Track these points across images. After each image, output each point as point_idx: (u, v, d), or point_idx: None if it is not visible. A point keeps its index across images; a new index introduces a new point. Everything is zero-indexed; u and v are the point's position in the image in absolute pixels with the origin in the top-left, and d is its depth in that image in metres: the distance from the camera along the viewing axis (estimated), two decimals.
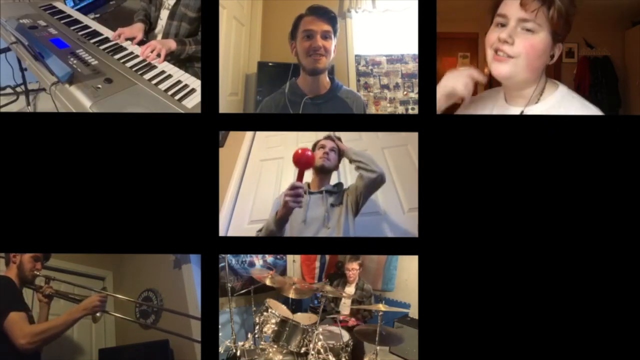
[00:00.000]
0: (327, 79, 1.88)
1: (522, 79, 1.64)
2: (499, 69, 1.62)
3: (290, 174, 1.93)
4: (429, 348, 1.77)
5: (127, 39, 2.02)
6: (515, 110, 1.70)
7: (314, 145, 1.97)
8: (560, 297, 1.76)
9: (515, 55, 1.59)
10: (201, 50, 1.81)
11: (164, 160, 1.78)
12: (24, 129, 1.78)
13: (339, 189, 1.97)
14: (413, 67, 1.92)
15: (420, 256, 1.77)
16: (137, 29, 2.03)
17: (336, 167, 2.00)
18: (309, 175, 1.97)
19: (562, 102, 1.67)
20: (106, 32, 2.07)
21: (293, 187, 1.73)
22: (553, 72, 1.86)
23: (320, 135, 1.96)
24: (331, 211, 1.87)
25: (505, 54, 1.60)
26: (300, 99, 1.84)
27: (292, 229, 1.81)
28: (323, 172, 1.97)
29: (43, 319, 1.83)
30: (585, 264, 1.76)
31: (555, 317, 1.76)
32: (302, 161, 1.77)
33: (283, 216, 1.76)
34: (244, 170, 2.19)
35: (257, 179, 2.20)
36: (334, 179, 2.01)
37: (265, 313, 2.09)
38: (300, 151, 1.77)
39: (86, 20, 2.15)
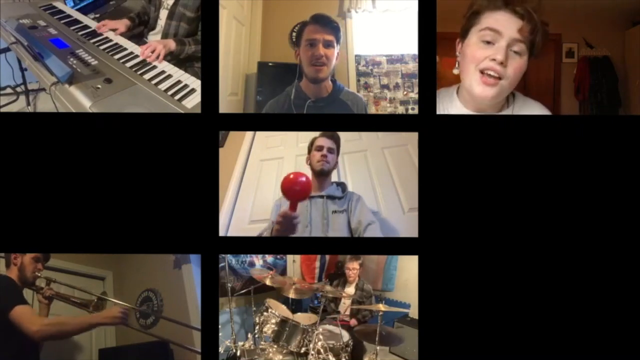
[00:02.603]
0: (329, 81, 1.90)
1: (502, 97, 1.70)
2: (487, 92, 1.65)
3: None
4: (429, 348, 1.77)
5: (110, 30, 2.03)
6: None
7: (310, 144, 1.97)
8: (560, 297, 1.76)
9: (505, 77, 1.63)
10: (201, 50, 1.81)
11: (164, 160, 1.78)
12: (24, 129, 1.78)
13: (343, 191, 1.96)
14: (413, 67, 1.92)
15: (420, 256, 1.77)
16: (120, 23, 2.03)
17: (335, 167, 2.00)
18: None
19: (522, 106, 1.75)
20: (106, 32, 2.07)
21: (284, 216, 1.70)
22: (553, 71, 1.86)
23: (312, 132, 1.96)
24: (333, 218, 1.87)
25: (497, 75, 1.62)
26: (303, 102, 1.86)
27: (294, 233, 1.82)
28: (322, 175, 1.97)
29: None
30: (586, 264, 1.76)
31: (555, 318, 1.76)
32: (295, 191, 1.69)
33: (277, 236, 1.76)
34: (244, 170, 2.19)
35: (257, 179, 2.19)
36: (333, 175, 2.02)
37: (265, 313, 2.09)
38: (292, 177, 1.72)
39: (86, 20, 2.15)
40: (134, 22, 2.05)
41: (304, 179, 1.72)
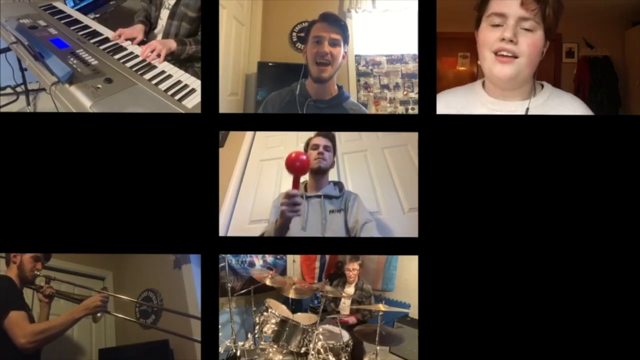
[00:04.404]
0: (335, 86, 1.90)
1: (523, 77, 1.67)
2: (504, 71, 1.64)
3: (290, 175, 1.92)
4: (429, 348, 1.77)
5: (127, 39, 2.02)
6: (505, 104, 1.73)
7: (307, 144, 1.97)
8: (560, 297, 1.76)
9: (520, 54, 1.61)
10: (201, 50, 1.81)
11: (164, 160, 1.78)
12: (24, 129, 1.78)
13: (340, 190, 1.96)
14: (413, 67, 1.92)
15: (420, 256, 1.77)
16: (137, 30, 2.03)
17: (332, 165, 2.00)
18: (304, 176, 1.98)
19: (552, 95, 1.72)
20: (106, 32, 2.07)
21: (289, 196, 1.70)
22: (554, 71, 1.86)
23: (311, 132, 1.96)
24: (330, 218, 1.87)
25: (511, 54, 1.61)
26: (304, 100, 1.86)
27: (292, 235, 1.82)
28: (320, 173, 1.97)
29: (44, 319, 1.83)
30: (586, 264, 1.76)
31: (555, 317, 1.76)
32: (296, 167, 1.72)
33: (282, 225, 1.76)
34: (244, 170, 2.19)
35: (257, 179, 2.19)
36: (332, 174, 2.02)
37: (265, 313, 2.09)
38: (293, 155, 1.73)
39: (86, 20, 2.15)
40: (147, 26, 2.05)
41: (304, 157, 1.76)
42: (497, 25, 1.62)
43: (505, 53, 1.62)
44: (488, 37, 1.65)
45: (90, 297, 1.85)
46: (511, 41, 1.60)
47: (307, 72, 1.89)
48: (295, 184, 1.73)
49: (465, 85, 1.81)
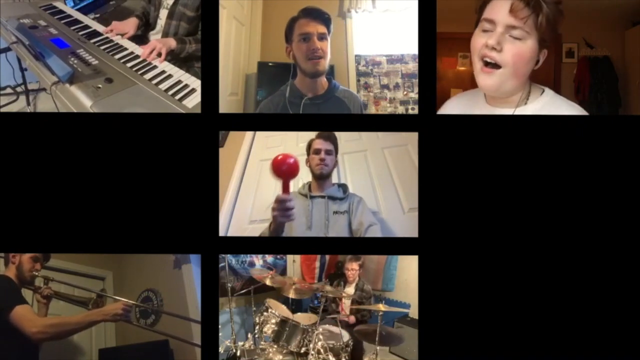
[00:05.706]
0: (325, 79, 1.90)
1: (509, 88, 1.67)
2: (487, 81, 1.65)
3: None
4: (429, 348, 1.77)
5: (118, 34, 2.03)
6: (500, 112, 1.73)
7: (308, 147, 1.97)
8: (560, 296, 1.76)
9: (503, 63, 1.60)
10: (201, 50, 1.81)
11: (164, 160, 1.78)
12: (24, 129, 1.78)
13: (344, 192, 1.96)
14: (413, 67, 1.92)
15: (420, 256, 1.77)
16: (129, 24, 2.03)
17: (335, 165, 1.99)
18: (307, 178, 1.99)
19: (549, 103, 1.71)
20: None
21: (279, 201, 1.69)
22: (554, 71, 1.86)
23: (312, 133, 1.95)
24: (333, 219, 1.87)
25: (493, 61, 1.60)
26: (299, 99, 1.85)
27: (296, 234, 1.82)
28: (322, 179, 1.97)
29: None
30: (585, 264, 1.76)
31: (555, 317, 1.76)
32: (283, 171, 1.69)
33: (276, 230, 1.75)
34: (244, 170, 2.18)
35: (257, 179, 2.19)
36: (333, 175, 2.02)
37: (265, 313, 2.09)
38: (280, 157, 1.71)
39: (86, 20, 2.15)
40: (142, 21, 2.05)
41: (292, 160, 1.72)
42: (487, 31, 1.61)
43: (488, 60, 1.61)
44: (477, 42, 1.64)
45: (90, 296, 1.85)
46: (494, 49, 1.58)
47: (295, 71, 1.87)
48: (285, 188, 1.71)
49: (470, 90, 1.80)
